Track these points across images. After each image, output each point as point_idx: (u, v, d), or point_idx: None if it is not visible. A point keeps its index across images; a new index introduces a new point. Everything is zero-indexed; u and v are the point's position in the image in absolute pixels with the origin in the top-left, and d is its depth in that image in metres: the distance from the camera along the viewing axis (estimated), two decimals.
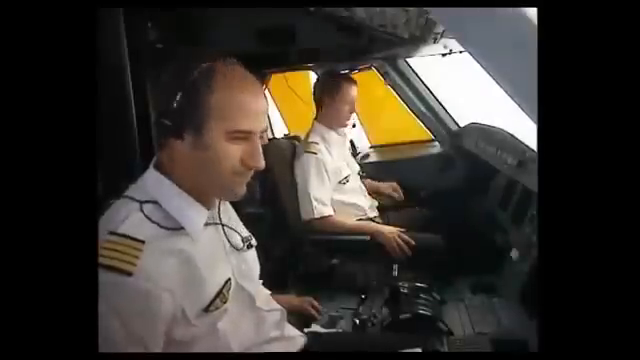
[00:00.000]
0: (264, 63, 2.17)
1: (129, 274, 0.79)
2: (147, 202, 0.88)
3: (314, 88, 2.24)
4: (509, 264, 1.75)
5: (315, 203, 2.03)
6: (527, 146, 1.93)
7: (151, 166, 0.95)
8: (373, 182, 2.49)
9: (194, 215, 0.92)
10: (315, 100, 2.23)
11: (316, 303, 1.46)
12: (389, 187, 2.49)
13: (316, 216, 2.03)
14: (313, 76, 3.04)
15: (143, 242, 0.82)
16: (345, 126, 2.24)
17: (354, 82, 2.18)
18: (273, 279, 1.23)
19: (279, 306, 1.16)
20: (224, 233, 1.01)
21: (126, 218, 0.84)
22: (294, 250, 2.11)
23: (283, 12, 1.68)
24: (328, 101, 2.16)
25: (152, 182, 0.92)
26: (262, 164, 0.92)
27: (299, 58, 2.03)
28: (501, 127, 2.34)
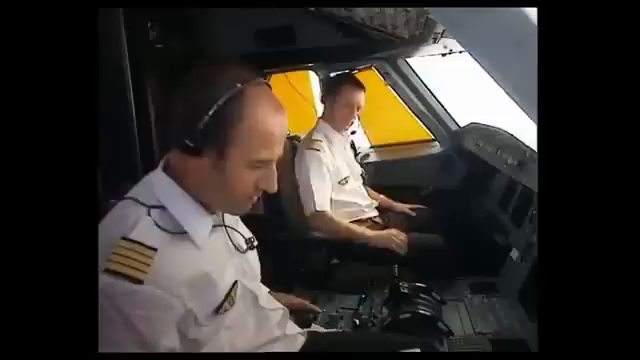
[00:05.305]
0: (264, 63, 2.17)
1: (140, 282, 0.79)
2: (154, 207, 0.86)
3: (320, 86, 2.24)
4: (509, 264, 1.75)
5: (316, 195, 2.01)
6: (527, 146, 1.93)
7: (159, 168, 0.93)
8: (388, 199, 2.43)
9: (200, 222, 0.91)
10: (320, 98, 2.23)
11: (311, 305, 1.45)
12: (403, 208, 2.40)
13: (317, 208, 2.00)
14: (313, 75, 3.04)
15: (155, 250, 0.81)
16: (345, 129, 2.22)
17: (359, 86, 2.14)
18: (273, 279, 1.23)
19: (281, 305, 1.16)
20: (228, 235, 1.01)
21: (136, 223, 0.83)
22: (294, 250, 2.11)
23: (283, 12, 1.69)
24: (330, 101, 2.16)
25: (160, 185, 0.90)
26: (275, 189, 0.92)
27: (299, 58, 2.03)
28: (501, 127, 2.34)
